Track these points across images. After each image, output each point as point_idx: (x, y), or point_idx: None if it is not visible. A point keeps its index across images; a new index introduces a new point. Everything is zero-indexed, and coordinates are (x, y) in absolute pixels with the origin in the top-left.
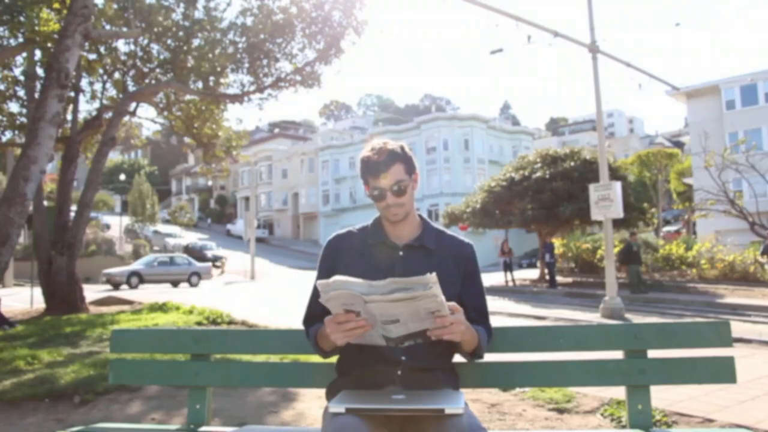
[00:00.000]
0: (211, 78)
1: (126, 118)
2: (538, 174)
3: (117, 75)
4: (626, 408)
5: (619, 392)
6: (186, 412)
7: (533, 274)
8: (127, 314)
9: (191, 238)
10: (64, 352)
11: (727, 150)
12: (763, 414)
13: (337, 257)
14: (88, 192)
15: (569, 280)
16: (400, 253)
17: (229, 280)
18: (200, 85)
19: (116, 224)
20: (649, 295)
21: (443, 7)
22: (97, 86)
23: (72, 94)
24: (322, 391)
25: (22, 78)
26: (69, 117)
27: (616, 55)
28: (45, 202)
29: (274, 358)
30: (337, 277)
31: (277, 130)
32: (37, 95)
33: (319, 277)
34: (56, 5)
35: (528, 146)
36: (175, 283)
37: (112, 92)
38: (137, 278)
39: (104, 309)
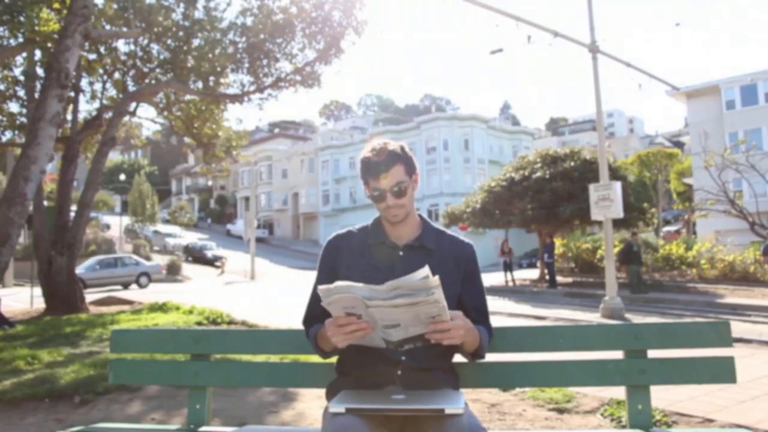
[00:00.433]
0: (211, 78)
1: (126, 118)
2: (538, 174)
3: (117, 75)
4: (626, 408)
5: (619, 392)
6: (186, 412)
7: (533, 274)
8: (127, 314)
9: (191, 238)
10: (64, 352)
11: (727, 150)
12: (763, 414)
13: (337, 257)
14: (88, 192)
15: (569, 280)
16: (400, 253)
17: (229, 280)
18: (200, 85)
19: (116, 224)
20: (649, 295)
21: (443, 7)
22: (97, 86)
23: (72, 94)
24: (322, 391)
25: (22, 78)
26: (69, 117)
27: (616, 55)
28: (45, 202)
29: (274, 358)
30: (339, 283)
31: (277, 130)
32: (37, 95)
33: (319, 276)
34: (56, 5)
35: (528, 146)
36: (125, 285)
37: (112, 92)
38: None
39: (104, 309)
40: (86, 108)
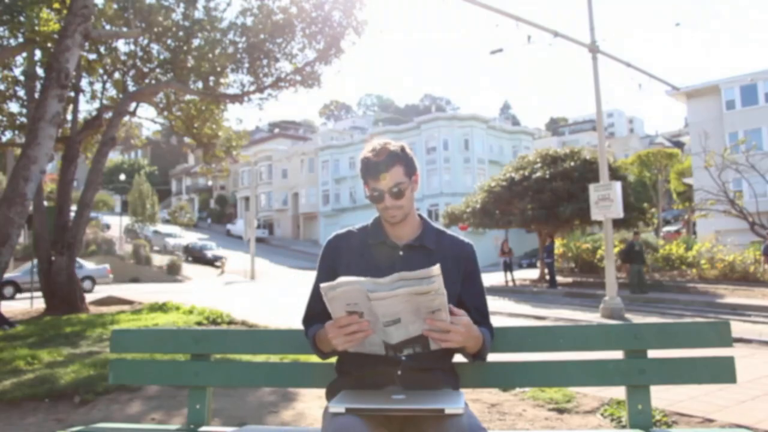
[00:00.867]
0: (211, 78)
1: (126, 118)
2: (538, 174)
3: (117, 75)
4: (626, 408)
5: (619, 392)
6: (186, 412)
7: (533, 274)
8: (127, 314)
9: (191, 238)
10: (64, 352)
11: (727, 150)
12: (763, 414)
13: (336, 257)
14: (88, 192)
15: (569, 280)
16: (400, 252)
17: (229, 280)
18: (200, 85)
19: (116, 224)
20: (649, 295)
21: (443, 7)
22: (97, 86)
23: (72, 94)
24: (322, 391)
25: (22, 78)
26: (69, 117)
27: (616, 55)
28: (45, 202)
29: (274, 358)
30: (341, 279)
31: (277, 130)
32: (37, 95)
33: (319, 276)
34: (56, 5)
35: (528, 146)
36: None
37: (112, 92)
38: (13, 288)
39: (104, 309)
40: (86, 108)
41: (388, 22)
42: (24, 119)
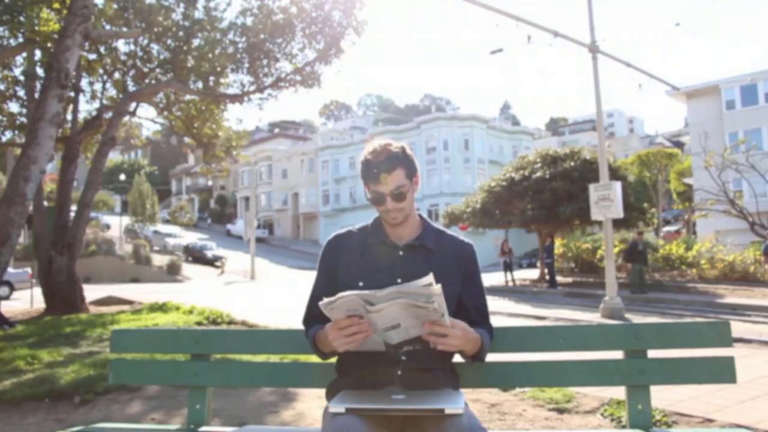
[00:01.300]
0: (211, 78)
1: (126, 118)
2: (538, 174)
3: (117, 75)
4: (626, 408)
5: (619, 392)
6: (186, 412)
7: (533, 274)
8: (127, 314)
9: (191, 238)
10: (64, 352)
11: (727, 150)
12: (763, 414)
13: (336, 257)
14: (88, 192)
15: (569, 280)
16: (400, 252)
17: (229, 280)
18: (200, 85)
19: (116, 224)
20: (649, 295)
21: (443, 7)
22: (97, 86)
23: (72, 94)
24: (322, 391)
25: (22, 78)
26: (69, 117)
27: (616, 55)
28: (45, 202)
29: (274, 358)
30: (339, 295)
31: (277, 130)
32: (37, 95)
33: (319, 276)
34: (56, 5)
35: (528, 146)
36: None
37: (112, 92)
38: (8, 288)
39: (104, 309)
40: (86, 108)
41: (388, 22)
42: (24, 119)
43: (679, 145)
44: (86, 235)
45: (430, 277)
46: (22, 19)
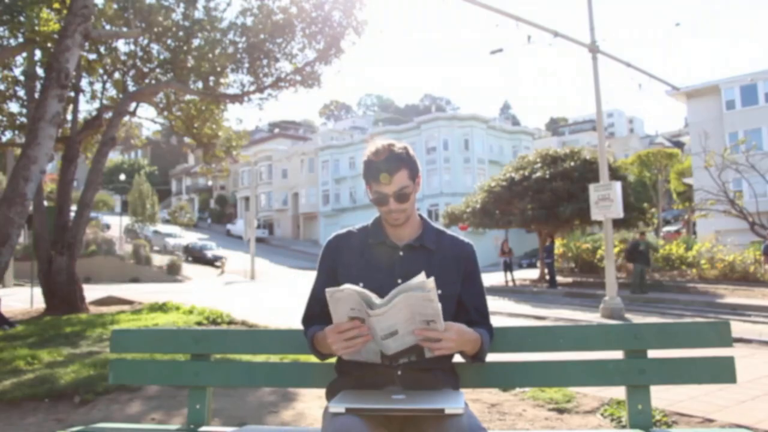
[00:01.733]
0: (211, 78)
1: (126, 118)
2: (538, 174)
3: (117, 75)
4: (626, 408)
5: (619, 392)
6: (186, 412)
7: (533, 274)
8: (127, 314)
9: (191, 238)
10: (64, 352)
11: (727, 150)
12: (763, 414)
13: (337, 257)
14: (88, 192)
15: (569, 280)
16: (401, 253)
17: (229, 280)
18: (200, 85)
19: (116, 224)
20: (649, 295)
21: (443, 7)
22: (97, 86)
23: (72, 94)
24: (322, 391)
25: (22, 78)
26: (69, 117)
27: (616, 55)
28: (45, 202)
29: (274, 358)
30: (347, 285)
31: (277, 130)
32: (37, 95)
33: (319, 276)
34: (56, 5)
35: (528, 146)
36: None
37: (112, 92)
38: None
39: (104, 309)
40: (86, 108)
41: (388, 22)
42: (24, 119)
43: (679, 145)
44: (86, 235)
45: (422, 275)
46: (22, 19)
